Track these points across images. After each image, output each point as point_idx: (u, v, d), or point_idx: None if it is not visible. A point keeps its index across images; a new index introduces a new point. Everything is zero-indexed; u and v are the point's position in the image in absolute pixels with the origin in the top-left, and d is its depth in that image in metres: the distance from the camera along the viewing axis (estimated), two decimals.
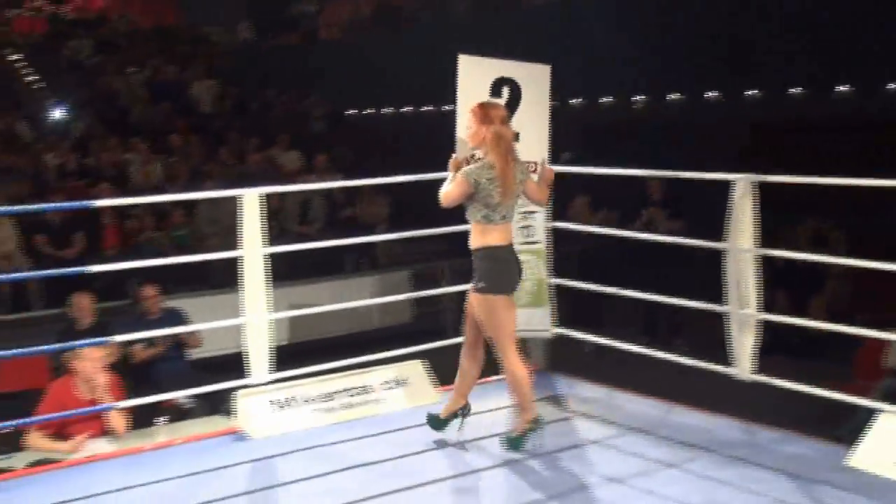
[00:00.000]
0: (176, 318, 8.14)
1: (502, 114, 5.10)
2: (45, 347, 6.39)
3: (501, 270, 5.05)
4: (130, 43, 21.21)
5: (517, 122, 5.73)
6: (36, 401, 6.50)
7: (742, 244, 5.26)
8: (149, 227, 11.78)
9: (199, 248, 11.06)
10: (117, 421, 6.27)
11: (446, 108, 17.37)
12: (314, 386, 5.85)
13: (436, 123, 17.27)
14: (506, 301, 5.07)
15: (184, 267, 8.77)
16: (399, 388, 6.08)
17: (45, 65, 19.33)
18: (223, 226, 10.77)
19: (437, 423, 5.40)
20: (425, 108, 18.07)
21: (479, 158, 5.23)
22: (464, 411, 5.41)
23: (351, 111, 19.82)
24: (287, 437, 5.47)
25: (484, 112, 5.06)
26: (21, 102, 16.89)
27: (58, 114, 17.51)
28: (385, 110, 19.13)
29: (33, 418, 6.01)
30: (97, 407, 6.12)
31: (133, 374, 7.79)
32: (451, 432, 5.39)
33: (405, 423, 5.62)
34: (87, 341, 6.54)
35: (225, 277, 9.62)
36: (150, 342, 8.10)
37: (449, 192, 5.06)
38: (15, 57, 19.40)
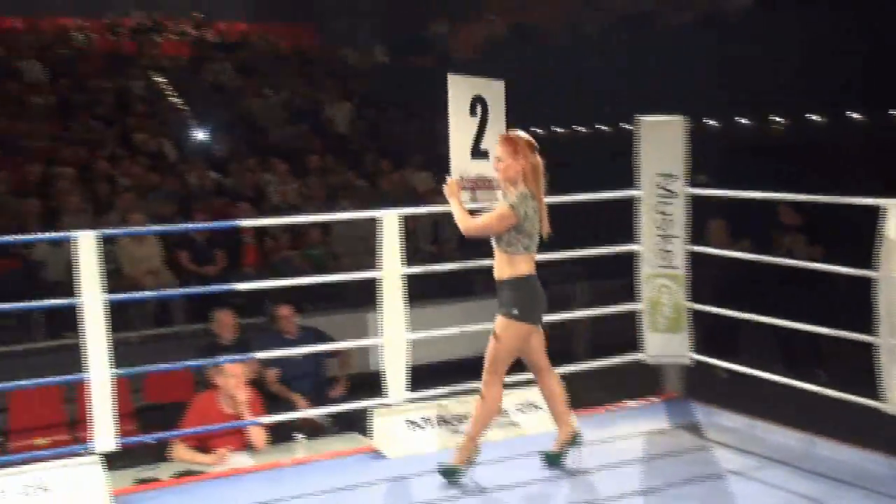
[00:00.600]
0: (313, 336, 8.29)
1: (532, 142, 5.03)
2: (189, 362, 6.60)
3: (535, 300, 5.02)
4: (269, 66, 21.80)
5: (486, 140, 5.51)
6: (180, 413, 6.72)
7: (895, 272, 5.06)
8: (285, 245, 12.06)
9: (334, 267, 11.27)
10: (257, 436, 6.42)
11: (580, 128, 17.37)
12: (449, 407, 5.87)
13: (570, 143, 17.34)
14: (530, 331, 5.04)
15: (319, 286, 9.00)
16: (533, 411, 6.05)
17: (189, 87, 20.02)
18: (357, 246, 10.96)
19: (553, 459, 5.30)
20: (557, 129, 18.04)
21: (485, 179, 5.26)
22: (576, 440, 5.29)
23: None
24: (422, 457, 5.51)
25: (514, 143, 4.98)
26: (166, 123, 17.52)
27: (200, 135, 18.09)
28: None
29: (178, 431, 6.21)
30: (239, 422, 6.29)
31: (270, 392, 7.96)
32: (575, 460, 5.31)
33: (539, 446, 5.59)
34: (229, 357, 6.73)
35: (359, 297, 9.83)
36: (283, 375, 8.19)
37: (488, 224, 4.96)
38: (161, 80, 20.16)
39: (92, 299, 4.82)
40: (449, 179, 5.23)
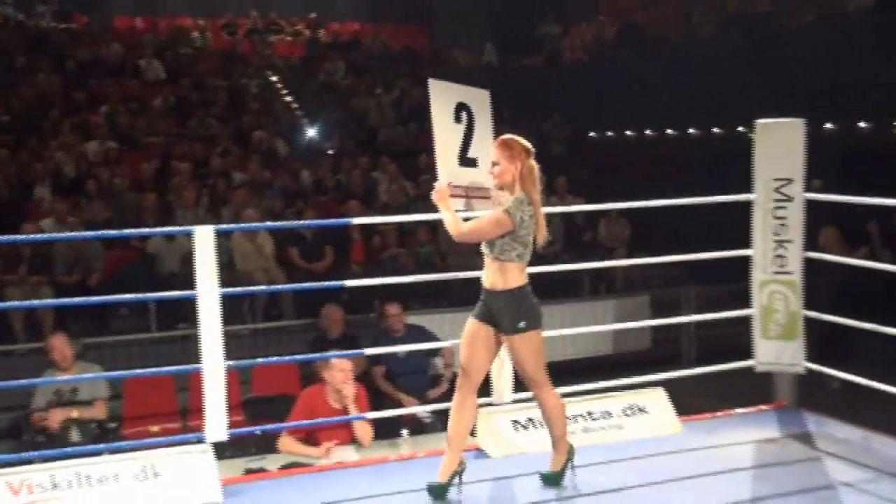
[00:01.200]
0: (420, 333, 8.35)
1: (528, 146, 4.88)
2: (299, 357, 6.72)
3: (536, 305, 4.83)
4: (381, 66, 22.03)
5: (473, 148, 5.37)
6: (286, 406, 6.85)
7: None
8: (392, 244, 12.17)
9: (441, 266, 11.33)
10: (363, 431, 6.50)
11: (692, 130, 17.10)
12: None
13: (682, 145, 17.08)
14: (541, 335, 4.88)
15: (426, 284, 9.07)
16: (639, 415, 5.99)
17: (301, 86, 20.37)
18: (464, 245, 10.96)
19: (553, 478, 5.05)
20: (669, 131, 17.80)
21: (478, 188, 5.12)
22: (572, 454, 5.08)
23: (593, 133, 19.77)
24: (526, 457, 5.49)
25: (511, 147, 4.83)
26: (279, 122, 17.85)
27: (311, 133, 18.39)
28: (628, 133, 18.95)
29: (286, 424, 6.33)
30: (345, 417, 6.38)
31: (376, 387, 8.05)
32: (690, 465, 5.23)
33: (646, 450, 5.53)
34: (337, 353, 6.83)
35: (464, 296, 9.87)
36: (389, 371, 8.26)
37: (481, 228, 4.77)
38: (275, 78, 20.56)
39: (208, 292, 4.94)
40: (437, 184, 5.06)
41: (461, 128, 5.35)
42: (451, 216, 4.92)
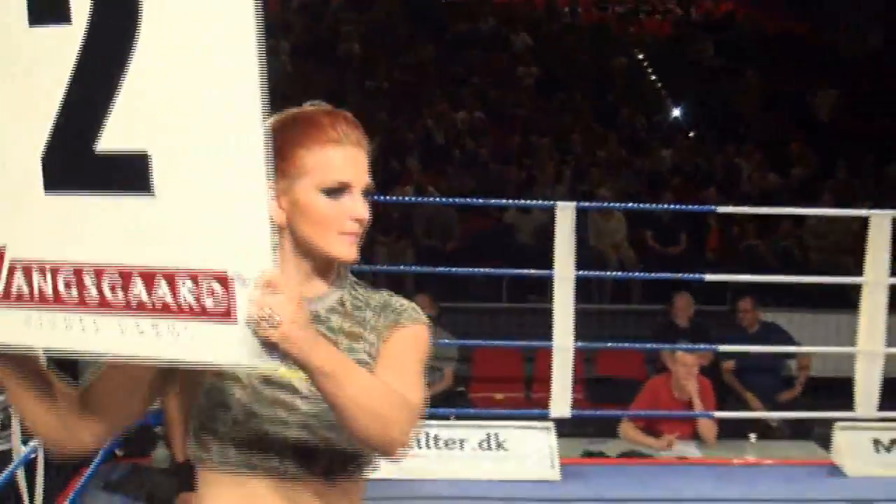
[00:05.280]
0: (774, 333, 7.93)
1: None
2: (642, 345, 6.59)
3: None
4: (752, 49, 21.15)
5: None
6: (628, 389, 6.74)
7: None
8: (752, 233, 11.67)
9: (802, 263, 10.72)
10: (707, 428, 6.25)
11: None
12: None
13: None
14: None
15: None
16: None
17: (668, 66, 19.99)
18: (831, 242, 10.35)
19: None
20: None
21: None
22: None
23: None
24: (886, 480, 5.06)
25: None
26: (643, 100, 17.65)
27: (675, 113, 18.03)
28: None
29: (629, 412, 6.23)
30: (688, 412, 6.18)
31: (723, 381, 7.75)
32: None
33: None
34: (685, 346, 6.62)
35: (825, 297, 9.28)
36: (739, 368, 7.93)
37: None
38: (641, 56, 20.33)
39: (565, 273, 4.93)
40: None
41: None
42: None
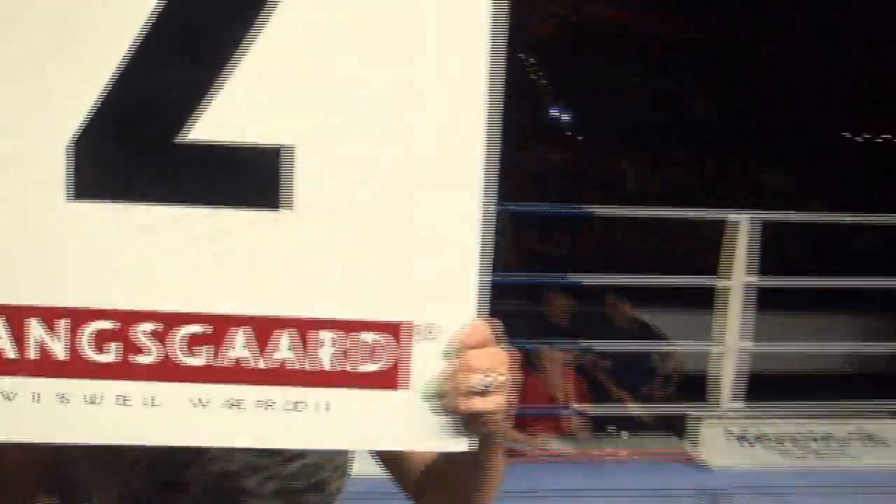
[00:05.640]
0: (646, 331, 8.09)
1: None
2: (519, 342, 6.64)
3: None
4: (637, 50, 21.47)
5: None
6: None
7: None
8: (632, 236, 11.88)
9: (676, 262, 10.95)
10: (575, 423, 6.37)
11: None
12: (783, 425, 5.53)
13: None
14: None
15: None
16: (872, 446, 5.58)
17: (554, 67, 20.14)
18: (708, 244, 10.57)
19: None
20: None
21: None
22: None
23: None
24: (743, 473, 5.23)
25: None
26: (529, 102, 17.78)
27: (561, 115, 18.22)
28: None
29: None
30: (558, 408, 6.27)
31: (594, 377, 7.87)
32: None
33: (876, 482, 5.14)
34: (559, 341, 6.72)
35: (698, 297, 9.49)
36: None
37: None
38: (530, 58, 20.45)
39: None
40: None
41: None
42: None
